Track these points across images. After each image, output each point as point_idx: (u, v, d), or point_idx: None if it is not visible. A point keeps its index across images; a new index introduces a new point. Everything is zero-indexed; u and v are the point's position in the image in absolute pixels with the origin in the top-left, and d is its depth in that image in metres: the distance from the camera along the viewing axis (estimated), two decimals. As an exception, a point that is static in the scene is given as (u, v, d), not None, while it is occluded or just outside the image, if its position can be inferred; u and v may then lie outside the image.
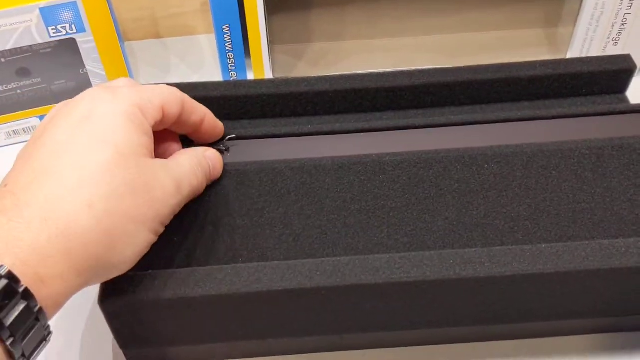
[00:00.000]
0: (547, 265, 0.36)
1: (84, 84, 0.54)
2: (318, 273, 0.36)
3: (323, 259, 0.37)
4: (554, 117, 0.46)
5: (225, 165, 0.43)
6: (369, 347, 0.42)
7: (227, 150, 0.44)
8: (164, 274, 0.36)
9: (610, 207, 0.42)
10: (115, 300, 0.35)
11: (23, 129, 0.55)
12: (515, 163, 0.43)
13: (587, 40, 0.56)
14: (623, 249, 0.37)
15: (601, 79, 0.48)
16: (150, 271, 0.37)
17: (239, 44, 0.56)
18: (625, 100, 0.49)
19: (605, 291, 0.38)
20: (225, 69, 0.57)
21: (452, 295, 0.37)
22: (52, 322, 0.42)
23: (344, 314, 0.38)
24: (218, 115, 0.48)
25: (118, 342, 0.39)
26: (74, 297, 0.43)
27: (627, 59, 0.49)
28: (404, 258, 0.37)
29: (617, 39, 0.55)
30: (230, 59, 0.56)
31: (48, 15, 0.48)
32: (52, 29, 0.49)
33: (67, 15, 0.49)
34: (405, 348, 0.42)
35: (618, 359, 0.41)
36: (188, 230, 0.41)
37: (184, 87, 0.47)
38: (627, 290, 0.38)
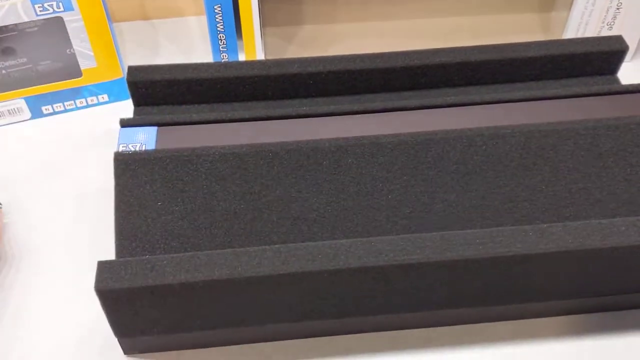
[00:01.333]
0: (550, 245, 0.36)
1: (71, 64, 0.52)
2: (320, 256, 0.36)
3: (324, 242, 0.36)
4: (549, 98, 0.46)
5: (221, 148, 0.42)
6: (370, 330, 0.42)
7: None
8: (163, 259, 0.35)
9: (606, 186, 0.42)
10: (112, 285, 0.34)
11: (8, 110, 0.53)
12: (512, 143, 0.43)
13: (582, 25, 0.55)
14: (623, 228, 0.37)
15: (594, 59, 0.48)
16: (147, 257, 0.36)
17: (230, 25, 0.54)
18: (617, 81, 0.49)
19: (605, 270, 0.38)
20: (216, 50, 0.56)
21: (454, 276, 0.37)
22: (45, 314, 0.42)
23: (345, 297, 0.38)
24: (209, 97, 0.47)
25: (113, 330, 0.38)
26: (68, 287, 0.42)
27: (619, 40, 0.48)
28: (406, 240, 0.36)
29: (612, 23, 0.55)
30: (221, 40, 0.55)
31: (35, -8, 0.47)
32: (39, 7, 0.48)
33: (54, -8, 0.47)
34: (405, 331, 0.42)
35: (615, 337, 0.41)
36: (185, 215, 0.40)
37: (173, 69, 0.46)
38: (627, 268, 0.38)
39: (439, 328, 0.42)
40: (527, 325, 0.42)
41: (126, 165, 0.40)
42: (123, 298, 0.35)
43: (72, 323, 0.42)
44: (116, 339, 0.40)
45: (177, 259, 0.35)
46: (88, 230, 0.47)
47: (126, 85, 0.55)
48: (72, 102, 0.55)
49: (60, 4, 0.48)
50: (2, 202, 0.48)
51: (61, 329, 0.42)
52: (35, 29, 0.50)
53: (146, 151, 0.41)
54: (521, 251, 0.36)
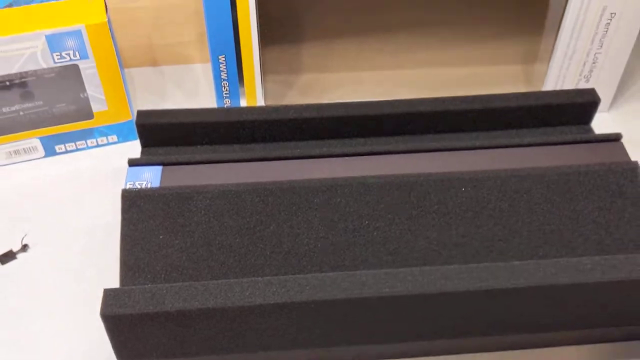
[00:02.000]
0: (520, 280, 0.39)
1: (84, 107, 0.56)
2: (308, 288, 0.39)
3: (312, 274, 0.40)
4: (525, 145, 0.50)
5: (220, 186, 0.45)
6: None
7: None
8: (162, 288, 0.39)
9: (577, 228, 0.45)
10: (116, 311, 0.38)
11: (24, 149, 0.57)
12: (489, 187, 0.46)
13: (560, 77, 0.59)
14: (589, 266, 0.40)
15: (568, 110, 0.52)
16: (148, 285, 0.39)
17: (233, 73, 0.59)
18: (591, 131, 0.53)
19: (573, 305, 0.41)
20: (220, 96, 0.60)
21: (434, 308, 0.40)
22: (54, 337, 0.45)
23: (332, 327, 0.41)
24: (212, 139, 0.51)
25: (116, 353, 0.41)
26: (75, 312, 0.45)
27: (591, 92, 0.52)
28: (389, 274, 0.40)
29: (589, 76, 0.59)
30: (225, 87, 0.59)
31: (53, 42, 0.51)
32: (57, 55, 0.52)
33: (71, 42, 0.52)
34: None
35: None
36: (185, 248, 0.43)
37: (179, 113, 0.50)
38: (592, 304, 0.41)
39: (423, 358, 0.44)
40: (506, 357, 0.45)
41: (132, 202, 0.44)
42: (125, 323, 0.38)
43: (78, 346, 0.45)
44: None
45: (175, 288, 0.39)
46: (95, 261, 0.50)
47: (134, 126, 0.59)
48: (84, 142, 0.58)
49: (77, 52, 0.53)
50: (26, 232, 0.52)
51: (68, 350, 0.45)
52: (53, 75, 0.54)
53: (151, 188, 0.45)
54: (496, 286, 0.39)
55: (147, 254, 0.43)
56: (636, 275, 0.39)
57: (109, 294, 0.38)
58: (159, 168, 0.47)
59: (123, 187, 0.51)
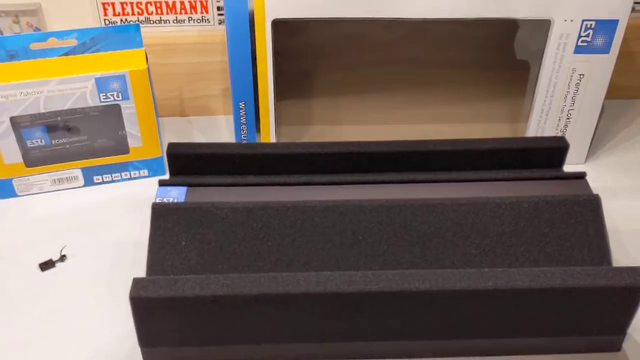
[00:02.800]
0: (488, 283, 0.46)
1: (122, 143, 0.65)
2: (304, 282, 0.46)
3: (309, 272, 0.47)
4: (502, 179, 0.57)
5: (234, 203, 0.53)
6: (347, 356, 0.50)
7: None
8: (183, 278, 0.46)
9: (544, 250, 0.51)
10: (142, 294, 0.44)
11: (67, 177, 0.65)
12: (468, 212, 0.53)
13: (539, 132, 0.67)
14: (549, 274, 0.46)
15: (542, 154, 0.59)
16: (171, 276, 0.46)
17: (251, 119, 0.67)
18: (562, 172, 0.60)
19: (536, 311, 0.47)
20: (239, 139, 0.68)
21: (412, 306, 0.46)
22: (84, 335, 0.51)
23: (325, 321, 0.47)
24: (230, 169, 0.58)
25: (139, 338, 0.47)
26: (105, 313, 0.52)
27: (561, 139, 0.60)
28: (375, 274, 0.46)
29: (564, 130, 0.67)
30: (243, 130, 0.68)
31: (101, 83, 0.61)
32: (103, 95, 0.61)
33: (116, 85, 0.61)
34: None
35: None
36: (202, 254, 0.50)
37: (203, 146, 0.58)
38: (552, 310, 0.47)
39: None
40: None
41: (160, 213, 0.52)
42: (150, 306, 0.45)
43: (105, 338, 0.52)
44: (139, 352, 0.49)
45: (193, 279, 0.46)
46: (125, 271, 0.57)
47: (164, 162, 0.68)
48: (119, 174, 0.67)
49: (120, 94, 0.62)
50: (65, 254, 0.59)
51: (96, 342, 0.51)
52: (97, 113, 0.63)
53: (177, 203, 0.52)
54: (465, 287, 0.45)
55: (170, 257, 0.50)
56: (591, 283, 0.46)
57: (137, 282, 0.45)
58: (184, 188, 0.55)
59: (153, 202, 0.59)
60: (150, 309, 0.45)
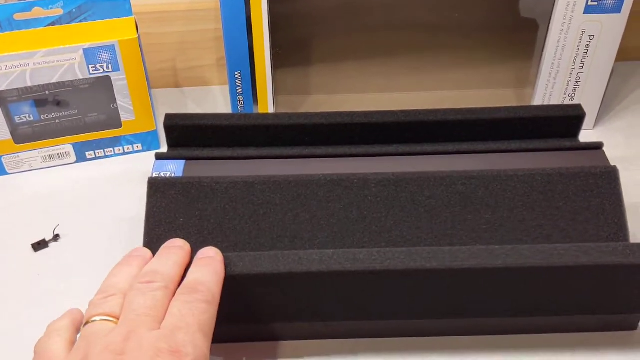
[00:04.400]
0: (498, 261, 0.44)
1: (114, 116, 0.62)
2: (307, 260, 0.44)
3: (312, 250, 0.44)
4: (513, 151, 0.55)
5: (234, 177, 0.50)
6: (350, 336, 0.49)
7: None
8: None
9: (556, 224, 0.49)
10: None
11: (57, 154, 0.63)
12: (477, 185, 0.51)
13: (547, 96, 0.65)
14: (562, 251, 0.44)
15: (556, 123, 0.57)
16: None
17: (248, 90, 0.65)
18: (578, 142, 0.58)
19: (549, 289, 0.45)
20: (235, 110, 0.66)
21: (418, 285, 0.44)
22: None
23: (326, 301, 0.45)
24: (230, 141, 0.56)
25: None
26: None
27: (577, 107, 0.57)
28: (380, 252, 0.44)
29: (573, 95, 0.65)
30: (240, 101, 0.65)
31: (90, 54, 0.58)
32: (92, 67, 0.59)
33: (105, 55, 0.58)
34: (386, 339, 0.49)
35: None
36: (201, 230, 0.48)
37: (202, 116, 0.55)
38: (566, 289, 0.45)
39: (412, 338, 0.48)
40: (485, 341, 0.49)
41: (157, 188, 0.49)
42: None
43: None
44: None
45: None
46: (121, 249, 0.55)
47: (157, 136, 0.65)
48: (112, 149, 0.64)
49: (110, 65, 0.59)
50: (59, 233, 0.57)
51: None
52: (87, 86, 0.60)
53: (174, 177, 0.50)
54: (474, 265, 0.43)
55: (167, 234, 0.48)
56: (607, 261, 0.43)
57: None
58: (182, 162, 0.53)
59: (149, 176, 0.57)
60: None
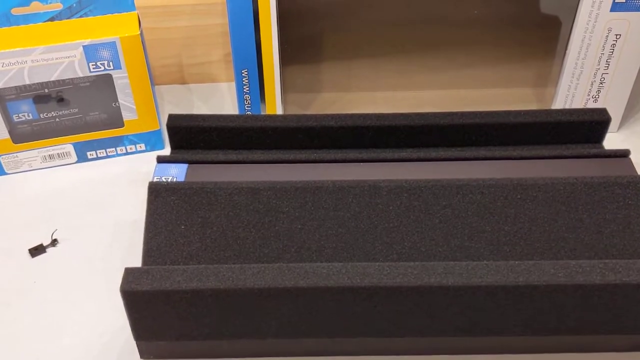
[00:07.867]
0: (519, 279, 0.41)
1: (116, 115, 0.60)
2: (313, 274, 0.41)
3: (319, 263, 0.42)
4: (534, 158, 0.52)
5: (239, 183, 0.48)
6: (357, 353, 0.46)
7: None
8: (178, 269, 0.41)
9: (580, 237, 0.46)
10: (134, 288, 0.40)
11: (58, 154, 0.61)
12: (496, 194, 0.48)
13: (569, 97, 0.62)
14: (588, 268, 0.41)
15: (579, 128, 0.54)
16: (166, 266, 0.42)
17: (255, 87, 0.62)
18: (602, 149, 0.54)
19: (572, 308, 0.42)
20: (242, 109, 0.63)
21: (433, 302, 0.42)
22: (78, 320, 0.47)
23: (335, 316, 0.43)
24: (235, 143, 0.53)
25: (133, 332, 0.43)
26: (100, 299, 0.48)
27: (603, 111, 0.54)
28: (391, 266, 0.42)
29: (597, 96, 0.62)
30: (247, 100, 0.63)
31: (90, 52, 0.55)
32: (93, 65, 0.56)
33: (106, 53, 0.56)
34: (391, 357, 0.46)
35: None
36: (203, 238, 0.46)
37: (206, 118, 0.53)
38: (591, 307, 0.42)
39: (422, 356, 0.46)
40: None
41: (158, 193, 0.47)
42: (143, 300, 0.41)
43: (99, 329, 0.48)
44: (134, 344, 0.45)
45: (190, 270, 0.41)
46: (121, 254, 0.53)
47: (161, 136, 0.63)
48: (114, 149, 0.62)
49: (111, 63, 0.56)
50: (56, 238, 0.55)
51: (89, 333, 0.47)
52: (87, 84, 0.58)
53: (176, 182, 0.48)
54: (493, 282, 0.41)
55: (168, 243, 0.46)
56: (636, 280, 0.41)
57: (129, 272, 0.41)
58: (185, 165, 0.50)
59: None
60: (143, 302, 0.41)
